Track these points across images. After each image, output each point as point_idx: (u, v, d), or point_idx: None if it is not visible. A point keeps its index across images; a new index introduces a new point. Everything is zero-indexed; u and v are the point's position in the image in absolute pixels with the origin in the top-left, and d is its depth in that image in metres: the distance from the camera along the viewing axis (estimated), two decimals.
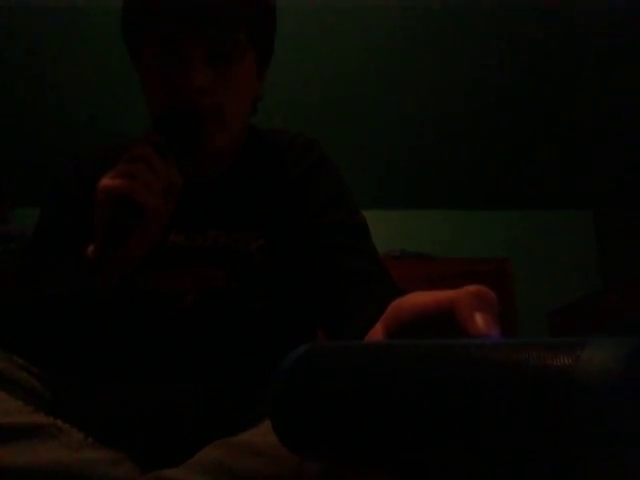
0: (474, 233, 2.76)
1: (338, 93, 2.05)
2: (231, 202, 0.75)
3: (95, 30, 1.81)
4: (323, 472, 0.47)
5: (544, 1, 1.76)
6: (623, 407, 0.22)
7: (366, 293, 0.66)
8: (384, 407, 0.29)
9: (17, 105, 2.03)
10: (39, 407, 0.57)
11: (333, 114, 2.16)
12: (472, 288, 0.38)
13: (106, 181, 0.60)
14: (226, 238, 0.72)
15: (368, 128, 2.19)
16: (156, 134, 0.65)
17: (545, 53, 1.93)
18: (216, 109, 0.69)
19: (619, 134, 2.29)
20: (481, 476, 0.27)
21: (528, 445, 0.23)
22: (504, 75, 2.00)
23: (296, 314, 0.74)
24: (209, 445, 0.55)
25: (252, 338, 0.71)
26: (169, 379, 0.68)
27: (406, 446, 0.28)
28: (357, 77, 2.00)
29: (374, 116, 2.13)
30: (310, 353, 0.35)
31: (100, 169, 0.73)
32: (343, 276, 0.69)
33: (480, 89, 2.05)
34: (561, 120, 2.22)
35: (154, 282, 0.69)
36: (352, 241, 0.73)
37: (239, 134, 0.75)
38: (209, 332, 0.69)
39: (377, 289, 0.66)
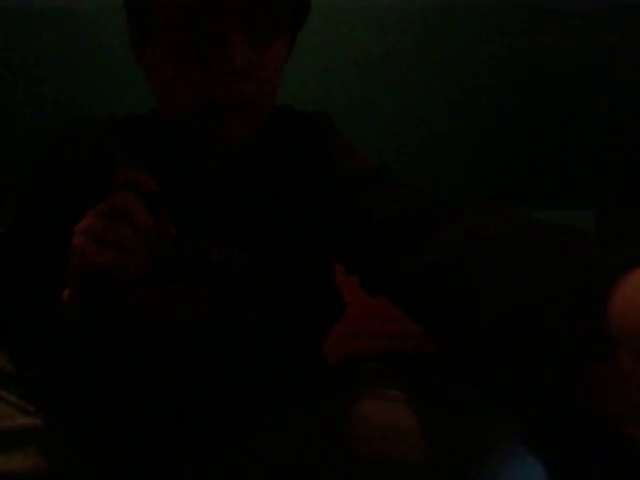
0: None
1: (338, 93, 2.05)
2: (231, 207, 0.66)
3: (96, 30, 1.81)
4: None
5: (545, 1, 1.76)
6: None
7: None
8: None
9: (17, 105, 2.03)
10: (37, 405, 0.56)
11: (333, 114, 2.15)
12: None
13: (81, 240, 0.50)
14: (218, 251, 0.64)
15: (367, 128, 2.18)
16: (144, 177, 0.52)
17: (545, 53, 1.92)
18: (250, 97, 0.58)
19: (619, 134, 2.28)
20: None
21: None
22: (504, 75, 2.00)
23: (295, 325, 0.68)
24: None
25: (249, 362, 0.66)
26: (166, 400, 0.65)
27: None
28: (356, 77, 2.00)
29: (373, 116, 2.13)
30: None
31: (97, 148, 0.64)
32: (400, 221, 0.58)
33: (480, 89, 2.05)
34: (561, 120, 2.21)
35: (135, 305, 0.58)
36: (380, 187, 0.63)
37: (263, 124, 0.63)
38: (200, 363, 0.64)
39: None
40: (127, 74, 1.91)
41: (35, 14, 1.79)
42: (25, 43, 1.86)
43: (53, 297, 0.54)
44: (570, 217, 2.95)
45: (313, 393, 0.63)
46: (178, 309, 0.61)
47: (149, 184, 0.52)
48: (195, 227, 0.63)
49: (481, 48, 1.92)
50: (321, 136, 0.69)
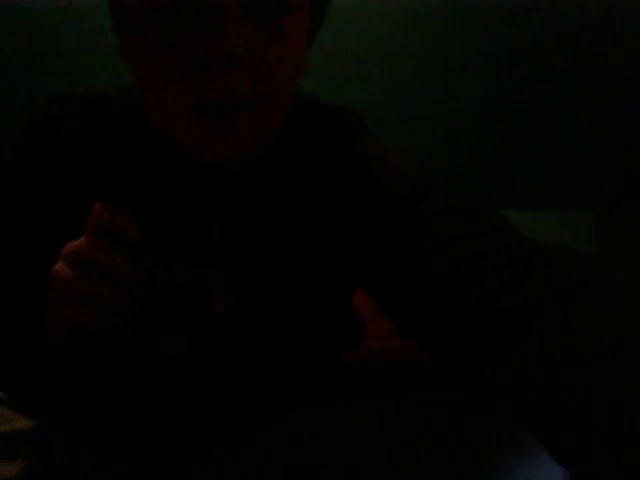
0: None
1: (337, 93, 2.05)
2: (233, 227, 0.54)
3: (96, 29, 1.81)
4: None
5: (545, 0, 1.76)
6: None
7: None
8: None
9: (16, 106, 2.03)
10: (34, 410, 0.55)
11: None
12: None
13: (57, 294, 0.44)
14: (214, 282, 0.54)
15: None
16: (127, 220, 0.43)
17: (546, 52, 1.92)
18: (253, 92, 0.44)
19: (619, 134, 2.28)
20: None
21: None
22: (504, 74, 1.99)
23: (304, 359, 0.61)
24: None
25: (250, 388, 0.59)
26: (160, 412, 0.61)
27: None
28: (355, 77, 2.00)
29: (372, 116, 2.12)
30: None
31: (81, 139, 0.55)
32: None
33: (480, 89, 2.04)
34: (561, 119, 2.21)
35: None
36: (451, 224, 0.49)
37: (277, 129, 0.50)
38: (191, 387, 0.58)
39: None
40: (127, 74, 1.91)
41: (35, 14, 1.79)
42: (25, 42, 1.86)
43: (34, 324, 0.50)
44: (570, 217, 2.95)
45: (315, 397, 0.62)
46: (156, 340, 0.54)
47: (132, 231, 0.43)
48: (191, 248, 0.54)
49: (481, 48, 1.92)
50: (351, 139, 0.56)
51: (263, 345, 0.55)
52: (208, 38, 0.42)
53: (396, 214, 0.50)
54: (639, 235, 2.62)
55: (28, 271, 0.54)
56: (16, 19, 1.78)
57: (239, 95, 0.44)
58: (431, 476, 0.48)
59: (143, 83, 0.48)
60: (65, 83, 1.96)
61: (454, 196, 0.56)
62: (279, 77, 0.46)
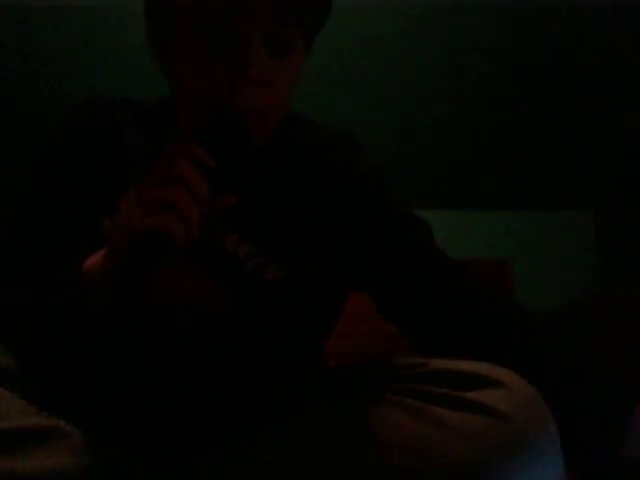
0: (474, 233, 2.75)
1: (337, 93, 2.05)
2: (262, 206, 0.63)
3: (95, 29, 1.81)
4: None
5: (545, 0, 1.76)
6: None
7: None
8: None
9: (17, 106, 2.03)
10: (43, 405, 0.56)
11: (332, 115, 2.15)
12: None
13: (132, 202, 0.49)
14: (245, 251, 0.61)
15: (365, 128, 2.18)
16: (201, 149, 0.51)
17: (546, 52, 1.92)
18: (263, 106, 0.57)
19: (619, 134, 2.28)
20: None
21: None
22: (504, 74, 2.00)
23: (307, 334, 0.67)
24: None
25: (253, 363, 0.63)
26: (166, 396, 0.64)
27: None
28: (354, 77, 2.00)
29: (371, 116, 2.13)
30: None
31: (113, 128, 0.64)
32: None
33: (480, 89, 2.05)
34: (561, 120, 2.21)
35: (150, 287, 0.57)
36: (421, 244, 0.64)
37: (272, 131, 0.63)
38: (206, 358, 0.62)
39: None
40: (126, 73, 1.91)
41: (35, 13, 1.79)
42: (25, 41, 1.86)
43: (71, 274, 0.53)
44: (570, 217, 2.96)
45: (315, 394, 0.63)
46: (193, 299, 0.58)
47: (205, 158, 0.50)
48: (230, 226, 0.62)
49: (481, 48, 1.92)
50: (356, 154, 0.70)
51: (295, 314, 0.63)
52: (239, 65, 0.54)
53: (394, 221, 0.64)
54: (638, 235, 2.63)
55: (67, 238, 0.60)
56: (16, 19, 1.79)
57: (251, 108, 0.56)
58: (430, 471, 0.48)
59: (180, 87, 0.59)
60: (65, 82, 1.96)
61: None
62: (282, 95, 0.59)
